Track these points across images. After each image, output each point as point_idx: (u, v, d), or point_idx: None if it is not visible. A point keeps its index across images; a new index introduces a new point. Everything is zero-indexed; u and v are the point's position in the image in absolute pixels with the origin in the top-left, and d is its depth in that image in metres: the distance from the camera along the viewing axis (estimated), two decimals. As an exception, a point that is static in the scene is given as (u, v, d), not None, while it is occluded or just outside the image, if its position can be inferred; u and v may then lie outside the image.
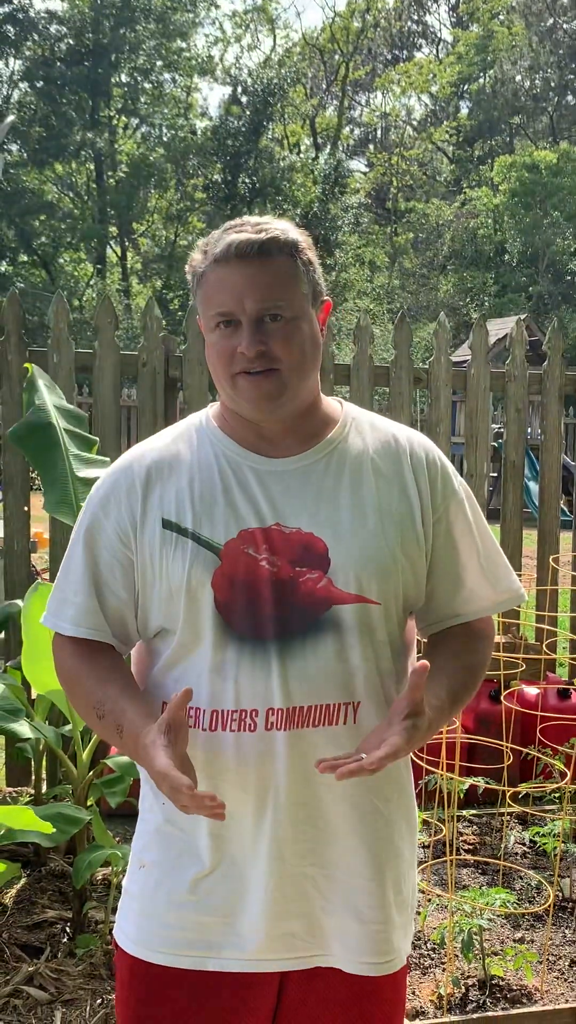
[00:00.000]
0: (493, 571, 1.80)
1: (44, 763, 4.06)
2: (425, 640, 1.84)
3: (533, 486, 10.50)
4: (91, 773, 3.46)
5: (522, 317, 6.15)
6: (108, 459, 3.58)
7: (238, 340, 1.60)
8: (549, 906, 3.47)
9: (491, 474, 13.47)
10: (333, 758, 1.51)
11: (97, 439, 3.72)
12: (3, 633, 4.41)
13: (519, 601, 1.85)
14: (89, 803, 3.45)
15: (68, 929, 3.39)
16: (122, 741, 1.62)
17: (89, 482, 3.43)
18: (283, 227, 1.65)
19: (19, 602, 3.95)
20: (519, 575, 5.02)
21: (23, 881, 3.69)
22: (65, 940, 3.33)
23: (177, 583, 1.63)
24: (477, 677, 1.77)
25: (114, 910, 1.81)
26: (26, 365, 3.94)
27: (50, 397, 3.66)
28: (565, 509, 13.07)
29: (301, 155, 36.59)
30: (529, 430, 15.26)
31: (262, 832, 1.63)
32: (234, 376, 1.62)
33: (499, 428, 14.58)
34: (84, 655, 1.72)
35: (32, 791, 4.12)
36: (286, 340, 1.61)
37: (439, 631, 1.80)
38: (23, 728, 3.23)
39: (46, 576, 6.04)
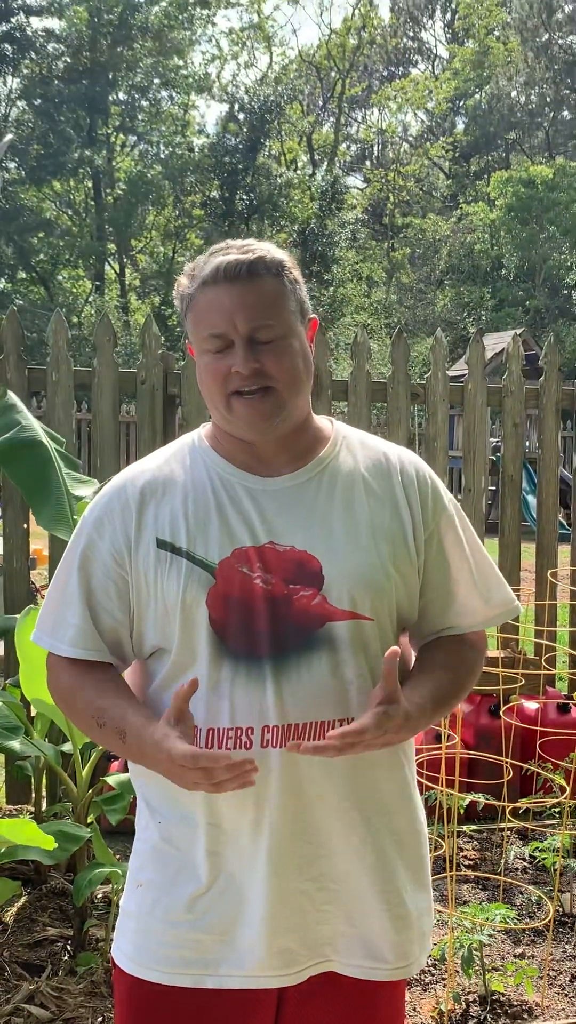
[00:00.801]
0: (485, 585, 1.81)
1: (44, 781, 4.06)
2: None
3: (531, 499, 10.53)
4: (91, 791, 3.46)
5: (519, 332, 6.17)
6: (96, 481, 3.61)
7: (231, 360, 1.62)
8: (549, 921, 3.46)
9: (489, 488, 13.48)
10: (298, 743, 1.54)
11: (79, 461, 3.75)
12: (2, 650, 4.41)
13: (513, 615, 1.86)
14: (89, 821, 3.44)
15: (69, 947, 3.38)
16: (125, 745, 1.62)
17: (83, 500, 3.45)
18: (268, 248, 1.68)
19: (19, 618, 3.96)
20: (518, 589, 5.05)
21: (24, 899, 3.69)
22: (66, 958, 3.33)
23: (172, 602, 1.64)
24: (464, 684, 1.77)
25: (115, 928, 1.81)
26: (2, 388, 3.94)
27: (34, 419, 3.68)
28: (563, 522, 13.08)
29: (298, 172, 36.69)
30: (527, 443, 15.29)
31: (259, 849, 1.63)
32: (229, 397, 1.64)
33: (497, 442, 14.60)
34: (81, 670, 1.72)
35: (32, 809, 4.11)
36: (279, 358, 1.64)
37: (431, 640, 1.82)
38: (23, 746, 3.24)
39: (45, 592, 6.05)
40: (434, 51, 47.43)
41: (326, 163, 38.76)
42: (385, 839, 1.72)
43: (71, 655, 1.72)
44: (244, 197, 32.30)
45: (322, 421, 1.81)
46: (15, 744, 3.19)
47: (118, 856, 3.77)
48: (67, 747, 3.58)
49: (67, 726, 3.34)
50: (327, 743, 1.51)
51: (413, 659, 1.81)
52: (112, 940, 1.78)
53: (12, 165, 31.98)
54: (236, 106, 34.24)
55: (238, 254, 1.64)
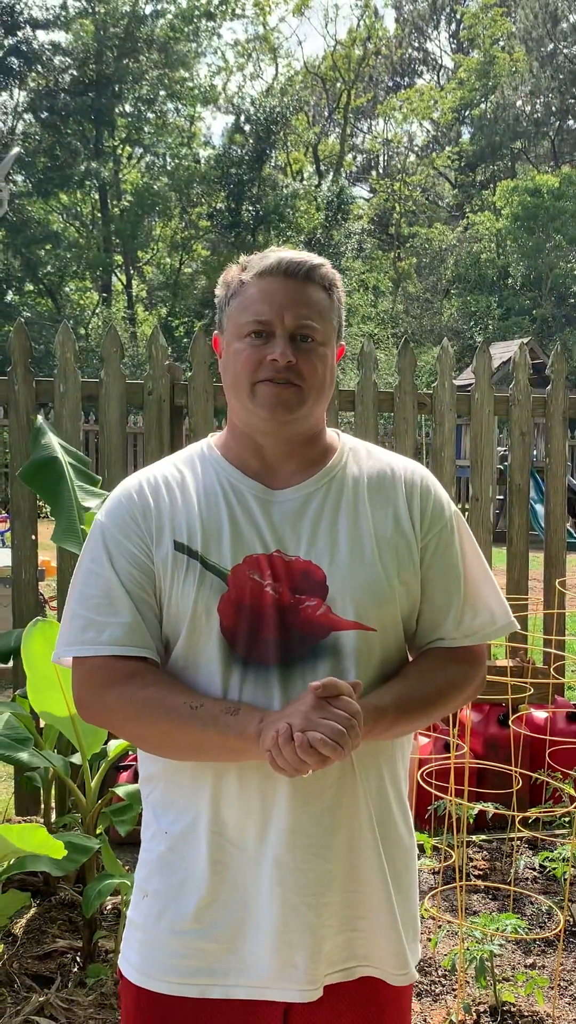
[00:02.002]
0: (480, 601, 1.81)
1: (53, 792, 4.06)
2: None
3: (539, 508, 10.54)
4: (100, 802, 3.46)
5: (525, 341, 6.18)
6: (105, 492, 3.64)
7: (268, 351, 1.66)
8: (560, 931, 3.45)
9: (497, 497, 13.49)
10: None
11: (100, 478, 3.78)
12: (11, 662, 4.41)
13: (507, 631, 1.85)
14: (98, 832, 3.44)
15: (78, 959, 3.38)
16: (236, 719, 1.57)
17: (91, 511, 3.49)
18: (327, 263, 1.75)
19: (26, 629, 3.97)
20: (526, 599, 5.05)
21: (33, 911, 3.69)
22: (75, 970, 3.32)
23: (185, 607, 1.65)
24: (441, 698, 1.73)
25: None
26: (32, 417, 4.05)
27: (54, 438, 3.77)
28: (572, 531, 13.07)
29: (304, 182, 36.81)
30: (535, 452, 15.29)
31: (264, 858, 1.64)
32: (256, 384, 1.67)
33: (504, 451, 14.60)
34: (130, 676, 1.65)
35: (41, 820, 4.12)
36: (312, 362, 1.68)
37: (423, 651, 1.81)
38: (32, 757, 3.24)
39: (54, 604, 6.06)
40: (439, 61, 47.63)
41: (332, 174, 38.87)
42: (390, 848, 1.73)
43: (120, 653, 1.65)
44: (250, 208, 32.40)
45: (330, 433, 1.83)
46: (24, 756, 3.20)
47: (127, 867, 3.77)
48: (76, 758, 3.58)
49: (76, 737, 3.34)
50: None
51: None
52: (120, 952, 1.78)
53: (19, 178, 32.08)
54: (242, 117, 34.34)
55: (300, 255, 1.71)
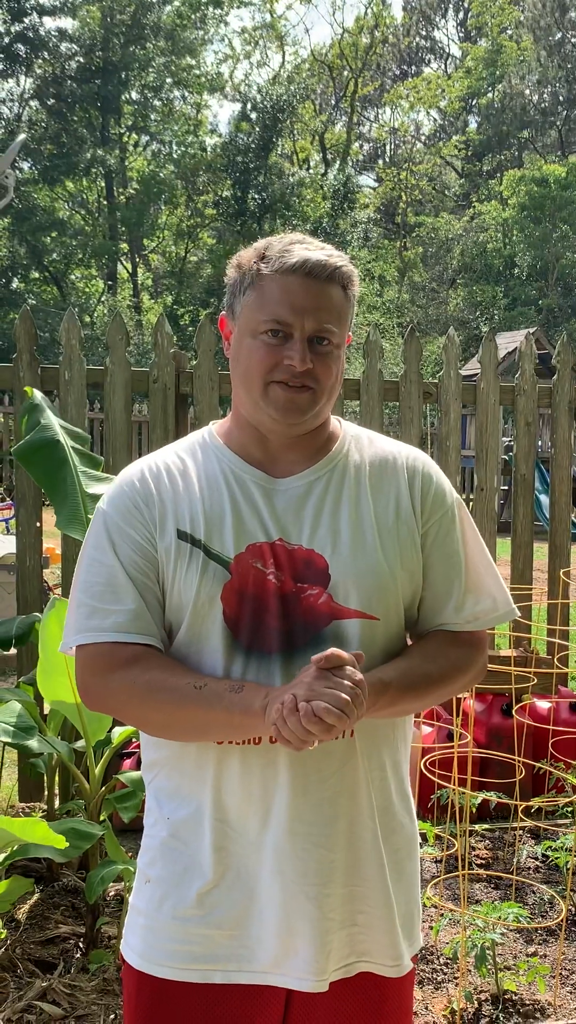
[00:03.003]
0: (480, 587, 1.81)
1: (57, 778, 4.07)
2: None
3: (544, 499, 10.53)
4: (103, 788, 3.46)
5: (531, 331, 6.16)
6: (112, 476, 3.61)
7: (285, 352, 1.64)
8: (562, 920, 3.46)
9: (502, 487, 13.48)
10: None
11: (102, 459, 3.75)
12: (15, 649, 4.42)
13: (508, 618, 1.85)
14: (102, 818, 3.45)
15: (81, 944, 3.39)
16: (241, 696, 1.57)
17: (98, 498, 3.45)
18: (345, 258, 1.70)
19: (37, 615, 3.98)
20: (530, 588, 5.05)
21: (36, 896, 3.70)
22: (78, 955, 3.33)
23: (188, 595, 1.65)
24: (444, 678, 1.73)
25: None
26: (26, 388, 3.96)
27: (55, 418, 3.70)
28: (576, 522, 13.05)
29: (310, 171, 36.78)
30: (540, 442, 15.27)
31: (265, 845, 1.64)
32: (269, 384, 1.65)
33: (509, 441, 14.58)
34: (133, 661, 1.64)
35: (45, 806, 4.12)
36: (328, 365, 1.67)
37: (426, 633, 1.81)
38: (40, 745, 3.24)
39: (58, 591, 6.06)
40: (447, 50, 47.48)
41: (338, 162, 38.77)
42: (390, 837, 1.73)
43: (125, 640, 1.65)
44: (256, 196, 32.35)
45: (332, 421, 1.81)
46: (33, 743, 3.19)
47: (130, 854, 3.77)
48: (80, 744, 3.58)
49: (80, 723, 3.34)
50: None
51: None
52: (122, 938, 1.79)
53: (25, 165, 32.06)
54: (248, 105, 34.28)
55: (323, 254, 1.66)
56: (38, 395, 3.78)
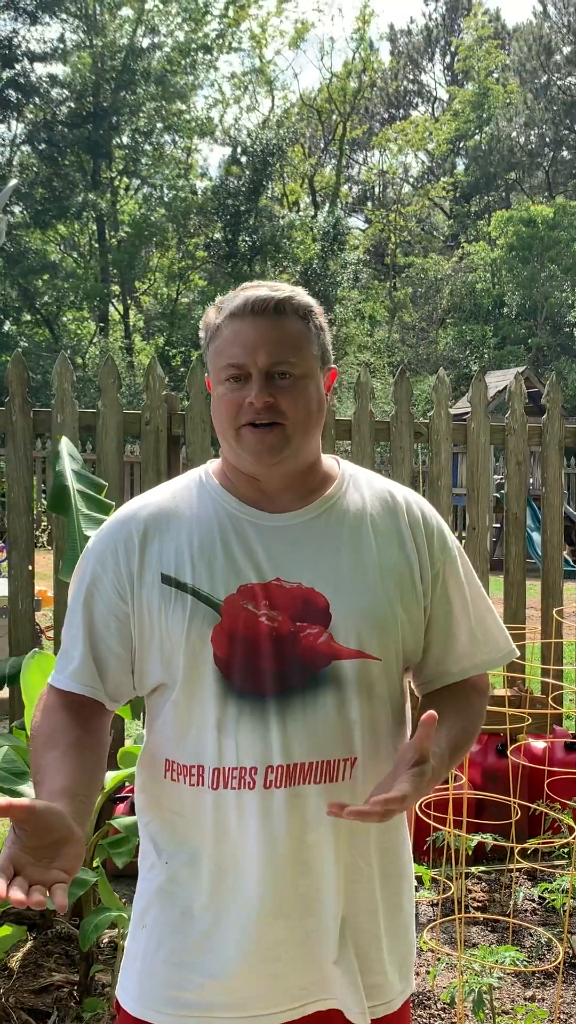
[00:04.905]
0: (484, 629, 1.81)
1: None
2: (420, 696, 1.84)
3: (536, 536, 10.54)
4: (96, 834, 3.44)
5: (521, 370, 6.20)
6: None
7: (247, 393, 1.63)
8: (559, 963, 3.43)
9: (493, 525, 13.50)
10: (341, 805, 1.48)
11: (112, 504, 3.77)
12: (8, 692, 4.40)
13: (511, 658, 1.86)
14: (95, 864, 3.42)
15: (75, 993, 3.35)
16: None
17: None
18: (298, 291, 1.71)
19: (25, 659, 3.97)
20: (523, 628, 5.04)
21: (29, 944, 3.66)
22: (72, 1004, 3.30)
23: (177, 639, 1.64)
24: (475, 730, 1.77)
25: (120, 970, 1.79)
26: (56, 436, 4.04)
27: (70, 464, 3.75)
28: (569, 559, 13.07)
29: (300, 213, 37.01)
30: (531, 480, 15.32)
31: (264, 892, 1.63)
32: (239, 428, 1.64)
33: (500, 479, 14.62)
34: (63, 710, 1.68)
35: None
36: (293, 397, 1.65)
37: (438, 687, 1.81)
38: (28, 790, 3.22)
39: (50, 635, 6.04)
40: (434, 93, 48.01)
41: (328, 204, 39.07)
42: (390, 879, 1.72)
43: (66, 687, 1.70)
44: (247, 239, 32.55)
45: (329, 460, 1.81)
46: (24, 788, 3.18)
47: (124, 900, 3.74)
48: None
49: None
50: (371, 809, 1.45)
51: (408, 696, 1.81)
52: (117, 983, 1.77)
53: (17, 209, 32.24)
54: (238, 149, 34.56)
55: (268, 291, 1.66)
56: (62, 444, 3.85)
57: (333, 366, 1.77)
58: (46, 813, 1.43)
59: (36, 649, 3.40)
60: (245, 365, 1.63)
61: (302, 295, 1.70)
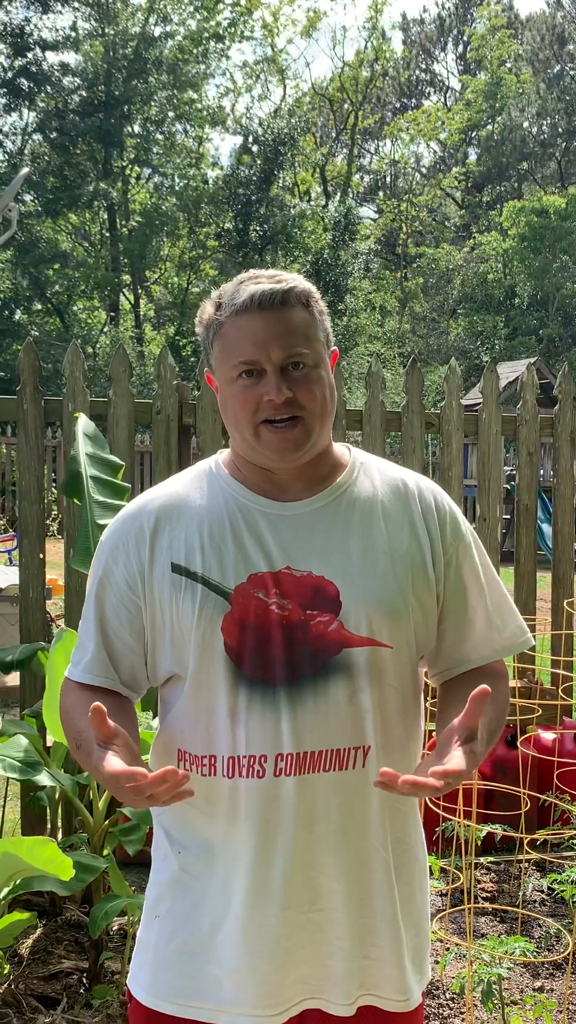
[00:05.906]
0: (500, 614, 1.80)
1: (60, 811, 4.05)
2: (435, 686, 1.84)
3: (547, 528, 10.53)
4: (107, 821, 3.45)
5: (532, 361, 6.19)
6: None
7: (262, 389, 1.62)
8: (568, 954, 3.43)
9: (504, 517, 13.48)
10: (393, 774, 1.42)
11: (128, 486, 3.75)
12: (18, 679, 4.41)
13: (527, 645, 1.85)
14: (105, 852, 3.43)
15: (84, 980, 3.37)
16: (92, 763, 1.55)
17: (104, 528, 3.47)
18: (297, 278, 1.69)
19: (40, 644, 3.99)
20: (534, 619, 5.03)
21: (39, 931, 3.67)
22: (82, 991, 3.31)
23: (187, 628, 1.64)
24: (503, 716, 1.75)
25: (130, 960, 1.79)
26: (75, 415, 4.03)
27: (84, 447, 3.73)
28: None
29: (311, 203, 36.96)
30: (541, 472, 15.28)
31: (274, 881, 1.63)
32: (258, 426, 1.63)
33: (511, 471, 14.59)
34: (87, 696, 1.69)
35: (48, 840, 4.10)
36: (309, 388, 1.64)
37: (456, 675, 1.80)
38: (45, 779, 3.22)
39: (61, 622, 6.05)
40: (446, 83, 47.83)
41: (339, 194, 39.01)
42: (403, 868, 1.72)
43: (83, 680, 1.73)
44: (258, 228, 32.51)
45: (340, 448, 1.80)
46: (40, 778, 3.18)
47: (134, 888, 3.75)
48: (83, 777, 3.57)
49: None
50: (426, 781, 1.41)
51: (422, 685, 1.81)
52: (128, 972, 1.77)
53: (28, 198, 32.23)
54: (250, 138, 34.51)
55: (270, 283, 1.64)
56: (79, 423, 3.83)
57: (335, 347, 1.76)
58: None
59: (60, 629, 3.40)
60: (259, 361, 1.62)
61: (302, 282, 1.69)
